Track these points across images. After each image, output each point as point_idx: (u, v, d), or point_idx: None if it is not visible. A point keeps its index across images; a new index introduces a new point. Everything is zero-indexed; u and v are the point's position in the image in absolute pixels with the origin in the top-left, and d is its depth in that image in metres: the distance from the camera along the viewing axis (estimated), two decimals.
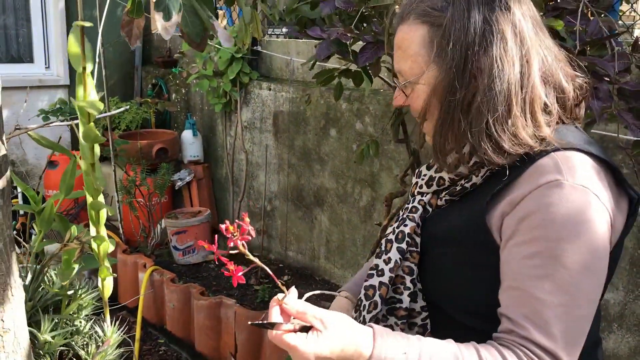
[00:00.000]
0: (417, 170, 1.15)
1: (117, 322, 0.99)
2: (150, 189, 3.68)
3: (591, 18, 1.40)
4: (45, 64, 4.75)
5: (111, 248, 0.90)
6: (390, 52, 1.51)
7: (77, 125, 0.99)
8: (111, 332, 0.95)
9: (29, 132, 1.04)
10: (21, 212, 3.61)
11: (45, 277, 0.93)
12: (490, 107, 0.92)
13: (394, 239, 1.10)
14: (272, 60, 3.81)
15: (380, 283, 1.07)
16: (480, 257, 0.98)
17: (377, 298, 1.07)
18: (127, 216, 3.86)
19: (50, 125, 1.09)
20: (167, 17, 0.87)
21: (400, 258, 1.07)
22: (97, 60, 1.10)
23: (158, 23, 0.84)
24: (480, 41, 0.92)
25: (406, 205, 1.14)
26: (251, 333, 2.50)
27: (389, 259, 1.08)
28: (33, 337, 0.87)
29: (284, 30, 3.92)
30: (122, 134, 4.11)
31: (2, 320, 0.76)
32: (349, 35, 1.54)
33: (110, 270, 0.92)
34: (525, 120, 0.93)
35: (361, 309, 1.10)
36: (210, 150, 4.30)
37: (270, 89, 3.72)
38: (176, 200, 4.26)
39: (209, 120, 4.29)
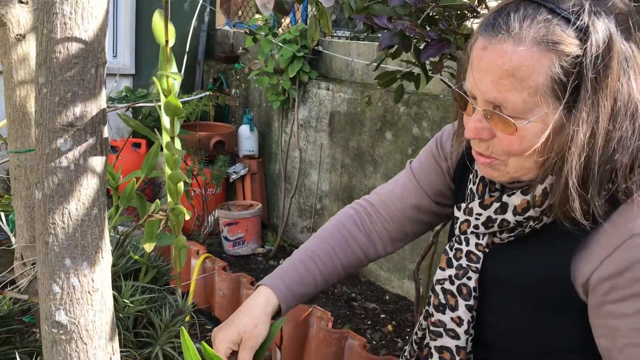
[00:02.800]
0: (464, 207, 1.03)
1: (168, 304, 1.03)
2: (207, 179, 3.78)
3: None
4: (113, 53, 4.94)
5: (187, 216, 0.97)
6: (458, 55, 1.52)
7: (159, 106, 1.05)
8: (183, 303, 1.01)
9: (118, 112, 1.11)
10: None
11: (128, 247, 0.99)
12: (623, 159, 0.82)
13: (457, 293, 1.03)
14: (332, 61, 3.86)
15: (458, 347, 1.03)
16: (556, 303, 0.94)
17: None
18: (182, 204, 3.97)
19: (137, 105, 1.16)
20: None
21: (471, 317, 1.02)
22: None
23: (258, 1, 0.90)
24: (628, 82, 0.81)
25: (457, 246, 1.05)
26: (297, 326, 2.54)
27: (460, 320, 1.03)
28: (114, 300, 0.93)
29: (346, 32, 3.96)
30: (182, 124, 4.24)
31: (92, 280, 0.82)
32: (414, 29, 1.53)
33: (186, 244, 0.97)
34: None
35: None
36: (265, 146, 4.38)
37: (328, 89, 3.76)
38: (229, 192, 4.36)
39: (266, 117, 4.37)
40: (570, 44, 0.80)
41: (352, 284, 3.49)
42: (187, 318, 0.98)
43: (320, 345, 2.43)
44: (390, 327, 2.96)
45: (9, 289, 0.95)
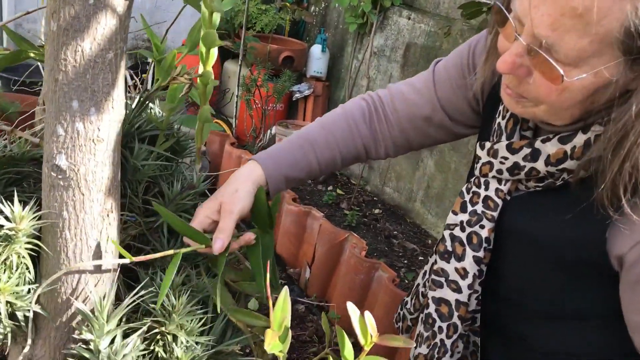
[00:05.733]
0: (489, 147, 0.90)
1: (182, 178, 0.97)
2: (269, 92, 3.72)
3: None
4: None
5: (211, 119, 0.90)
6: None
7: None
8: (198, 180, 0.95)
9: None
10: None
11: (149, 110, 0.94)
12: None
13: (465, 242, 0.92)
14: None
15: (458, 302, 0.93)
16: (580, 267, 0.83)
17: (456, 320, 0.94)
18: (242, 114, 3.95)
19: None
20: None
21: (478, 270, 0.92)
22: None
23: None
24: None
25: (475, 189, 0.93)
26: (330, 249, 2.50)
27: (465, 272, 0.92)
28: (124, 160, 0.89)
29: None
30: (255, 34, 4.15)
31: (98, 128, 0.77)
32: None
33: (210, 117, 0.91)
34: None
35: (435, 329, 0.97)
36: (334, 70, 4.26)
37: (409, 18, 3.56)
38: (290, 110, 4.30)
39: (340, 40, 4.22)
40: None
41: (396, 222, 3.41)
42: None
43: (349, 271, 2.39)
44: None
45: (26, 132, 0.92)
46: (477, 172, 0.93)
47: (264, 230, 0.95)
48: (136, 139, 0.90)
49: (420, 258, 3.04)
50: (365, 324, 0.78)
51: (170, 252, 0.85)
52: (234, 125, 4.00)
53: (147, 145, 0.91)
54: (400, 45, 3.62)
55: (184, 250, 0.86)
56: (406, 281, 2.77)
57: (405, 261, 2.98)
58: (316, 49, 4.14)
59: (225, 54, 4.42)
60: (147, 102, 0.90)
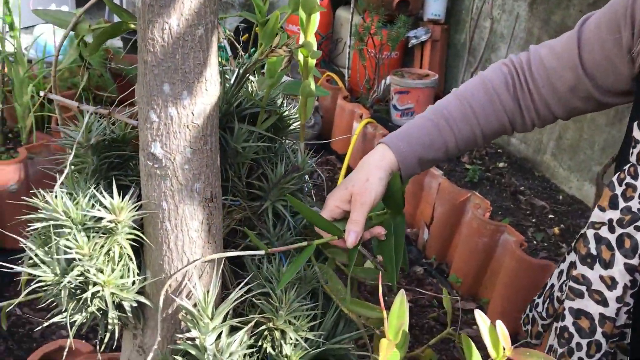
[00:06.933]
0: None
1: (286, 158, 0.90)
2: (383, 40, 3.54)
3: None
4: None
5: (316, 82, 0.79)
6: None
7: None
8: (303, 160, 0.87)
9: None
10: None
11: (249, 85, 0.86)
12: None
13: (615, 245, 0.76)
14: None
15: (603, 316, 0.78)
16: None
17: (599, 337, 0.79)
18: (354, 65, 3.82)
19: None
20: None
21: (630, 280, 0.76)
22: None
23: None
24: None
25: (629, 180, 0.77)
26: (450, 209, 2.36)
27: (613, 281, 0.77)
28: (224, 143, 0.82)
29: None
30: None
31: (192, 113, 0.71)
32: None
33: (314, 89, 0.81)
34: None
35: (572, 346, 0.82)
36: (453, 11, 3.96)
37: None
38: (406, 58, 4.09)
39: None
40: None
41: (523, 177, 3.16)
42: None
43: (471, 234, 2.24)
44: (556, 230, 2.65)
45: (125, 112, 0.88)
46: (633, 159, 0.77)
47: (396, 212, 0.87)
48: (235, 118, 0.82)
49: (550, 216, 2.80)
50: (496, 335, 0.66)
51: (304, 243, 0.82)
52: (346, 77, 3.88)
53: (248, 125, 0.83)
54: None
55: (317, 241, 0.83)
56: (535, 242, 2.56)
57: (534, 220, 2.75)
58: None
59: (337, 0, 4.27)
60: (247, 75, 0.82)
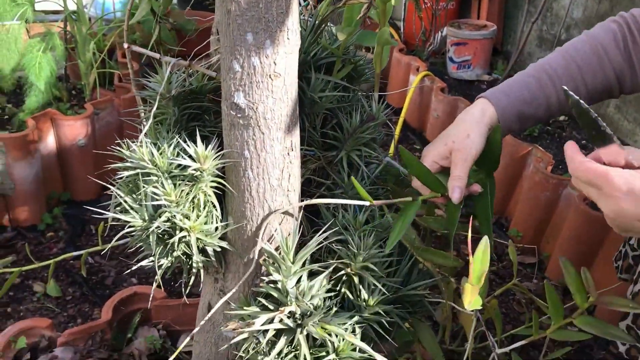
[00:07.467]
0: None
1: (361, 108, 0.90)
2: None
3: None
4: None
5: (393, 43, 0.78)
6: None
7: None
8: (377, 110, 0.87)
9: None
10: None
11: (324, 34, 0.85)
12: None
13: None
14: None
15: None
16: None
17: None
18: (410, 16, 3.73)
19: None
20: None
21: None
22: None
23: None
24: None
25: None
26: (511, 163, 2.32)
27: None
28: (302, 93, 0.83)
29: None
30: None
31: (274, 63, 0.71)
32: None
33: (390, 39, 0.80)
34: None
35: None
36: None
37: None
38: (463, 9, 3.96)
39: None
40: None
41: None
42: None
43: (533, 188, 2.20)
44: None
45: (203, 64, 0.89)
46: None
47: (492, 169, 0.86)
48: (312, 68, 0.83)
49: None
50: (580, 282, 0.66)
51: (408, 198, 0.83)
52: (401, 29, 3.80)
53: (324, 75, 0.83)
54: None
55: (423, 197, 0.84)
56: None
57: None
58: None
59: None
60: (323, 25, 0.82)
